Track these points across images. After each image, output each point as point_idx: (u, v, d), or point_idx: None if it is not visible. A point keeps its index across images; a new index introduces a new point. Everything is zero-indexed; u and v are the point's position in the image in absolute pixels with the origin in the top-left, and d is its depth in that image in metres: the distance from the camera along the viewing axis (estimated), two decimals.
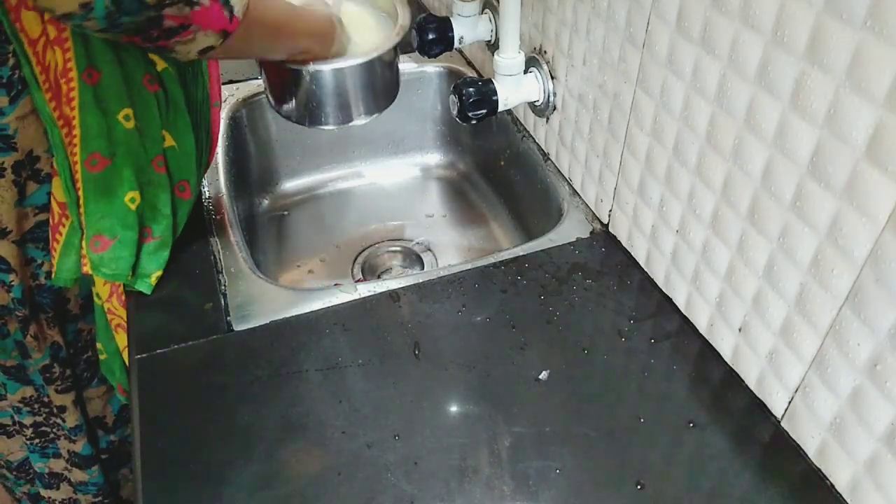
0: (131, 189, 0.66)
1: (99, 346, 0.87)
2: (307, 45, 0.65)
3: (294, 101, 0.71)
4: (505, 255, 0.74)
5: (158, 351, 0.63)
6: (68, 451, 0.96)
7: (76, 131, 0.63)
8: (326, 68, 0.67)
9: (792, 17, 0.45)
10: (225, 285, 0.70)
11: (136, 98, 0.65)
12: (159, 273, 0.70)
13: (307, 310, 0.67)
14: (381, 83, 0.72)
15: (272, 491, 0.52)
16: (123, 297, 0.73)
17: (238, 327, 0.66)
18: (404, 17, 0.72)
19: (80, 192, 0.66)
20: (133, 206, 0.67)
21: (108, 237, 0.67)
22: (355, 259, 1.01)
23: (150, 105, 0.66)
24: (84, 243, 0.68)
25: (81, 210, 0.66)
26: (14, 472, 1.00)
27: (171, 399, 0.59)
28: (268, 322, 0.66)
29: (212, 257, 0.74)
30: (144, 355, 0.63)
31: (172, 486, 0.53)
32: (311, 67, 0.67)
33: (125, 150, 0.65)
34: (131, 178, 0.66)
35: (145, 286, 0.69)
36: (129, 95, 0.64)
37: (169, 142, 0.69)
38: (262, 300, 0.68)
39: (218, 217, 0.80)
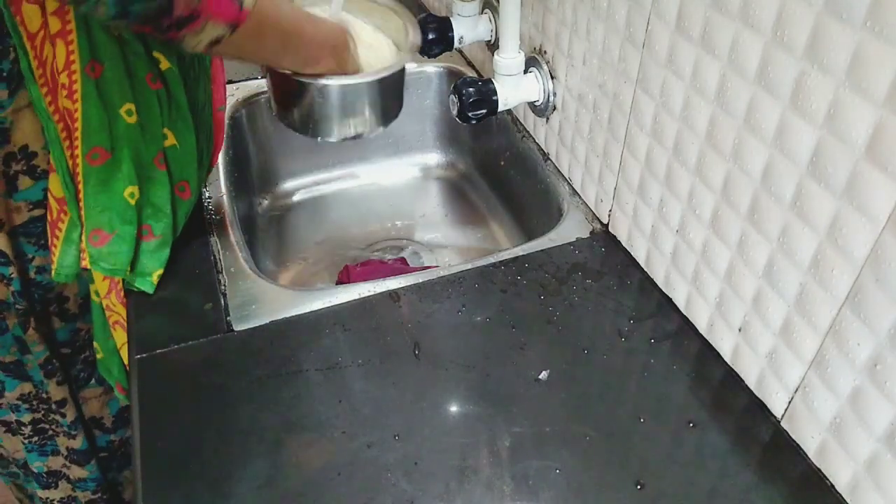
0: (131, 183, 0.66)
1: (96, 345, 0.87)
2: (319, 55, 0.63)
3: (298, 112, 0.68)
4: (505, 255, 0.74)
5: (158, 351, 0.63)
6: (67, 447, 0.96)
7: (78, 124, 0.63)
8: (334, 84, 0.64)
9: (792, 17, 0.45)
10: (225, 285, 0.70)
11: (138, 94, 0.65)
12: (160, 272, 0.70)
13: (307, 310, 0.67)
14: (389, 100, 0.70)
15: (272, 491, 0.52)
16: (122, 294, 0.73)
17: (238, 327, 0.66)
18: (415, 35, 0.69)
19: (80, 186, 0.66)
20: (132, 201, 0.67)
21: (107, 231, 0.67)
22: (355, 259, 1.01)
23: (151, 102, 0.66)
24: (83, 237, 0.68)
25: (81, 204, 0.67)
26: (23, 469, 1.00)
27: (171, 399, 0.59)
28: (268, 322, 0.66)
29: (212, 257, 0.74)
30: (144, 355, 0.63)
31: (172, 486, 0.53)
32: (320, 83, 0.64)
33: (126, 145, 0.65)
34: (131, 173, 0.66)
35: (147, 285, 0.69)
36: (131, 90, 0.64)
37: (170, 140, 0.69)
38: (262, 300, 0.68)
39: (218, 217, 0.80)
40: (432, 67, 1.09)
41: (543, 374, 0.61)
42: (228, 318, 0.66)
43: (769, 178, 0.51)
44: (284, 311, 0.67)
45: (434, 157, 1.16)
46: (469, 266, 0.73)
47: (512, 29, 0.77)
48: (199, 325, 0.66)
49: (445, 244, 1.03)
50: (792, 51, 0.46)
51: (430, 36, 0.88)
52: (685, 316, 0.66)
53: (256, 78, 1.04)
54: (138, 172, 0.67)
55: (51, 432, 0.94)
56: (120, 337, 0.80)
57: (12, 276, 0.75)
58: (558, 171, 0.86)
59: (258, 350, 0.63)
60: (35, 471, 0.98)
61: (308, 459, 0.55)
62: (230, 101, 0.99)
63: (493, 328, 0.66)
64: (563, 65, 0.78)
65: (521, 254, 0.74)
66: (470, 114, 0.80)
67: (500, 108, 0.81)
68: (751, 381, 0.59)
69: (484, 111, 0.80)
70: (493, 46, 0.92)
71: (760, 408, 0.58)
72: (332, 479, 0.53)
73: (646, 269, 0.71)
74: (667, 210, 0.65)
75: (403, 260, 1.00)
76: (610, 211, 0.76)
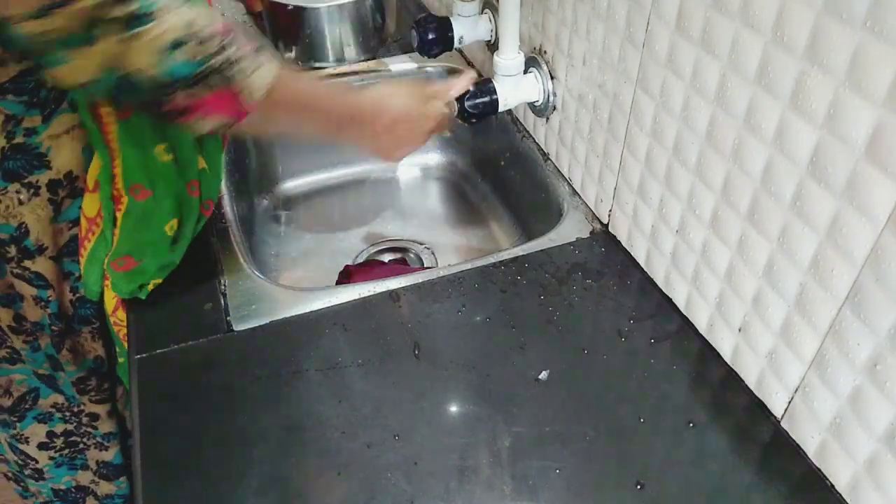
0: (172, 217, 0.67)
1: (117, 349, 0.87)
2: (340, 125, 0.67)
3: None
4: (505, 255, 0.74)
5: (158, 351, 0.63)
6: (97, 461, 0.95)
7: (118, 161, 0.64)
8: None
9: (792, 17, 0.45)
10: (225, 285, 0.70)
11: (170, 130, 0.65)
12: (158, 281, 0.69)
13: (307, 310, 0.67)
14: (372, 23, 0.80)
15: (272, 491, 0.52)
16: None
17: (238, 327, 0.66)
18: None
19: (120, 215, 0.66)
20: (171, 233, 0.68)
21: (135, 259, 0.67)
22: (355, 259, 1.01)
23: (185, 135, 0.66)
24: (107, 258, 0.67)
25: (116, 231, 0.66)
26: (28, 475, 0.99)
27: (171, 399, 0.59)
28: (268, 322, 0.66)
29: (212, 257, 0.74)
30: (144, 355, 0.63)
31: (172, 487, 0.53)
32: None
33: (164, 183, 0.65)
34: (172, 208, 0.67)
35: (142, 293, 0.69)
36: (163, 129, 0.64)
37: (201, 164, 0.69)
38: (262, 300, 0.68)
39: (218, 217, 0.80)
40: (432, 67, 1.09)
41: (543, 374, 0.61)
42: (228, 318, 0.66)
43: (769, 178, 0.51)
44: (284, 311, 0.67)
45: (434, 157, 1.16)
46: (469, 266, 0.73)
47: (512, 29, 0.77)
48: (199, 325, 0.66)
49: (445, 244, 1.03)
50: (792, 51, 0.46)
51: (430, 36, 0.88)
52: (685, 316, 0.66)
53: None
54: (177, 205, 0.67)
55: (82, 445, 0.93)
56: None
57: (50, 298, 0.74)
58: (558, 171, 0.86)
59: (258, 350, 0.63)
60: (64, 486, 0.97)
61: (308, 460, 0.55)
62: None
63: (493, 328, 0.66)
64: (563, 65, 0.78)
65: (521, 254, 0.74)
66: (470, 113, 0.80)
67: (501, 108, 0.81)
68: (751, 381, 0.59)
69: (484, 111, 0.80)
70: (493, 46, 0.92)
71: (760, 408, 0.58)
72: (332, 479, 0.53)
73: (646, 269, 0.71)
74: (667, 210, 0.65)
75: (403, 260, 1.00)
76: (610, 211, 0.76)
